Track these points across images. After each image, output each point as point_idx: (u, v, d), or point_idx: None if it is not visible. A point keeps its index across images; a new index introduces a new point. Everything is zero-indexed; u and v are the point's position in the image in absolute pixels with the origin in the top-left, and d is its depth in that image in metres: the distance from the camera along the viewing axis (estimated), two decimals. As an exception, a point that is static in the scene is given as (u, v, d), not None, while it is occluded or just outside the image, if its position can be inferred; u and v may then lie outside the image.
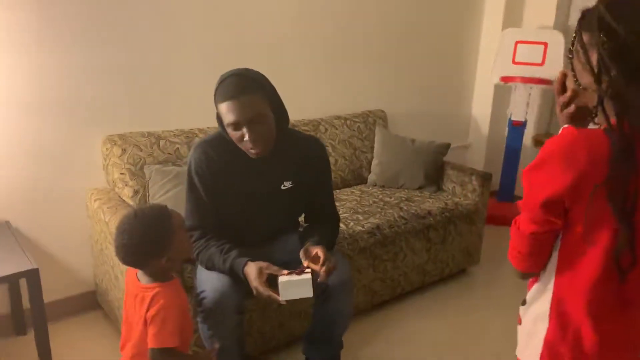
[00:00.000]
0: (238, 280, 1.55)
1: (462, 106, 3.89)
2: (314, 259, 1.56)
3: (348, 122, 2.95)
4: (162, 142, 2.29)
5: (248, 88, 1.51)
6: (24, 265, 1.71)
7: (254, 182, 1.68)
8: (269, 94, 1.58)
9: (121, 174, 2.18)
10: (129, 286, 1.38)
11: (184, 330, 1.38)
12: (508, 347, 2.30)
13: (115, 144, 2.20)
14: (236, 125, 1.52)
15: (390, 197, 2.68)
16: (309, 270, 1.52)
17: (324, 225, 1.78)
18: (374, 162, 2.95)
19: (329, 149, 2.81)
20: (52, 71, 2.12)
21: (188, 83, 2.49)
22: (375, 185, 2.91)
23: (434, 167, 2.89)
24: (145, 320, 1.31)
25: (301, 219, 1.95)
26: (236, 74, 1.54)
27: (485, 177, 2.73)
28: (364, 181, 2.97)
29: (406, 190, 2.83)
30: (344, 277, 1.72)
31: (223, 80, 1.53)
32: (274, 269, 1.50)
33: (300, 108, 2.87)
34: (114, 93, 2.29)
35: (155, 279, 1.35)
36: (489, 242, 3.17)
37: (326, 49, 2.96)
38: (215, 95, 1.55)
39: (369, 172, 2.97)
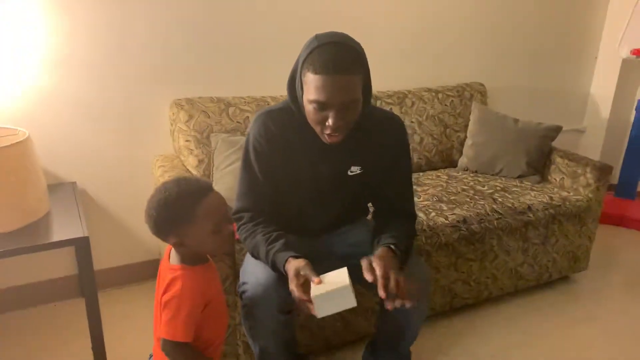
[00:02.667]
0: (282, 275, 1.32)
1: (580, 83, 3.33)
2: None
3: (440, 95, 2.60)
4: (231, 110, 2.12)
5: (351, 66, 1.21)
6: (76, 232, 1.62)
7: (317, 165, 1.42)
8: (366, 73, 1.29)
9: (186, 141, 2.05)
10: (161, 263, 1.23)
11: (206, 325, 1.20)
12: None
13: (182, 108, 2.05)
14: (323, 106, 1.23)
15: (484, 186, 2.32)
16: (345, 271, 1.21)
17: (397, 223, 1.46)
18: (467, 142, 2.58)
19: (415, 125, 2.49)
20: (120, 29, 2.00)
21: (264, 48, 2.28)
22: (467, 170, 2.55)
23: (540, 153, 2.46)
24: (161, 304, 1.15)
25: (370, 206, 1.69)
26: (339, 43, 1.22)
27: (603, 170, 2.26)
28: (453, 164, 2.62)
29: (503, 179, 2.44)
30: (421, 281, 1.44)
31: (320, 46, 1.21)
32: (308, 271, 1.22)
33: (385, 78, 2.57)
34: (186, 54, 2.14)
35: (182, 260, 1.18)
36: (600, 245, 2.71)
37: (417, 11, 2.61)
38: (304, 59, 1.24)
39: (461, 154, 2.61)
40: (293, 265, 1.25)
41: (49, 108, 1.97)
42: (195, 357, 1.19)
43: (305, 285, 1.21)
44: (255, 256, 1.39)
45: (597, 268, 2.55)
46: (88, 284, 1.64)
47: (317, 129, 1.31)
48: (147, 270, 2.30)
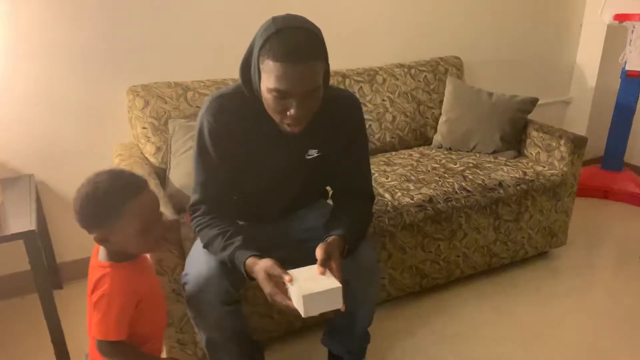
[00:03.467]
0: (237, 270, 1.27)
1: (565, 52, 3.22)
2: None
3: (412, 71, 2.52)
4: (190, 94, 2.06)
5: (313, 52, 1.13)
6: (24, 225, 1.60)
7: (274, 150, 1.36)
8: (326, 57, 1.21)
9: (143, 128, 2.00)
10: (92, 257, 1.18)
11: (141, 321, 1.16)
12: (594, 348, 1.91)
13: (137, 95, 2.00)
14: (284, 95, 1.15)
15: (455, 163, 2.25)
16: (327, 272, 1.18)
17: (353, 208, 1.42)
18: (442, 119, 2.51)
19: (387, 103, 2.42)
20: (70, 18, 1.94)
21: (222, 29, 2.21)
22: (441, 148, 2.48)
23: (514, 127, 2.38)
24: (91, 303, 1.11)
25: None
26: (299, 28, 1.13)
27: (577, 142, 2.18)
28: (428, 142, 2.55)
29: (477, 155, 2.37)
30: (366, 265, 1.40)
31: (279, 31, 1.12)
32: (277, 271, 1.17)
33: (355, 55, 2.50)
34: (141, 39, 2.08)
35: (110, 257, 1.13)
36: (584, 219, 2.64)
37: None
38: (262, 46, 1.14)
39: (436, 131, 2.54)
40: (261, 267, 1.19)
41: (1, 100, 1.93)
42: (132, 353, 1.16)
43: (280, 286, 1.17)
44: (209, 249, 1.34)
45: (578, 243, 2.49)
46: (40, 278, 1.61)
47: (277, 118, 1.24)
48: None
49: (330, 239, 1.29)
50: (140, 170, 1.85)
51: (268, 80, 1.15)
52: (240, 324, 1.42)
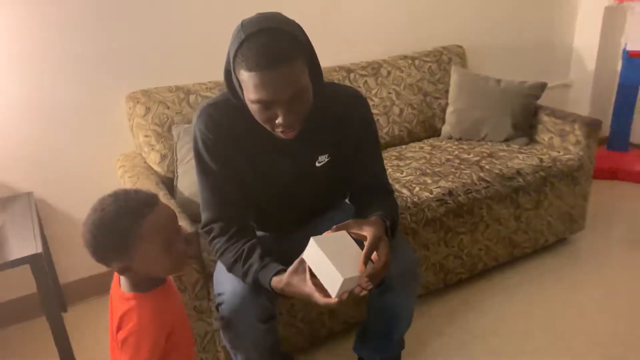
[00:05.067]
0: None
1: (562, 35, 3.18)
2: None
3: (416, 62, 2.45)
4: (192, 98, 1.97)
5: (288, 54, 1.03)
6: (29, 249, 1.49)
7: (278, 160, 1.27)
8: (307, 53, 1.11)
9: (146, 136, 1.90)
10: (113, 287, 1.09)
11: (170, 356, 1.07)
12: (625, 336, 1.87)
13: (138, 102, 1.90)
14: (268, 104, 1.07)
15: (469, 153, 2.19)
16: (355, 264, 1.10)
17: (377, 199, 1.34)
18: (449, 109, 2.44)
19: (393, 96, 2.35)
20: (67, 23, 1.84)
21: (222, 26, 2.11)
22: (451, 138, 2.42)
23: (525, 113, 2.32)
24: (117, 341, 1.01)
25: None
26: (268, 29, 1.04)
27: (592, 125, 2.13)
28: (437, 133, 2.48)
29: (489, 144, 2.31)
30: (407, 266, 1.33)
31: (248, 37, 1.03)
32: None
33: (358, 48, 2.43)
34: (138, 43, 1.98)
35: (133, 287, 1.03)
36: (596, 202, 2.59)
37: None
38: (234, 56, 1.06)
39: (444, 122, 2.47)
40: (292, 273, 1.14)
41: (-7, 115, 1.82)
42: None
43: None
44: (235, 275, 1.25)
45: (596, 226, 2.45)
46: (48, 301, 1.52)
47: (268, 127, 1.15)
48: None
49: (372, 218, 1.20)
50: (146, 181, 1.76)
51: (248, 91, 1.07)
52: (276, 339, 1.34)
